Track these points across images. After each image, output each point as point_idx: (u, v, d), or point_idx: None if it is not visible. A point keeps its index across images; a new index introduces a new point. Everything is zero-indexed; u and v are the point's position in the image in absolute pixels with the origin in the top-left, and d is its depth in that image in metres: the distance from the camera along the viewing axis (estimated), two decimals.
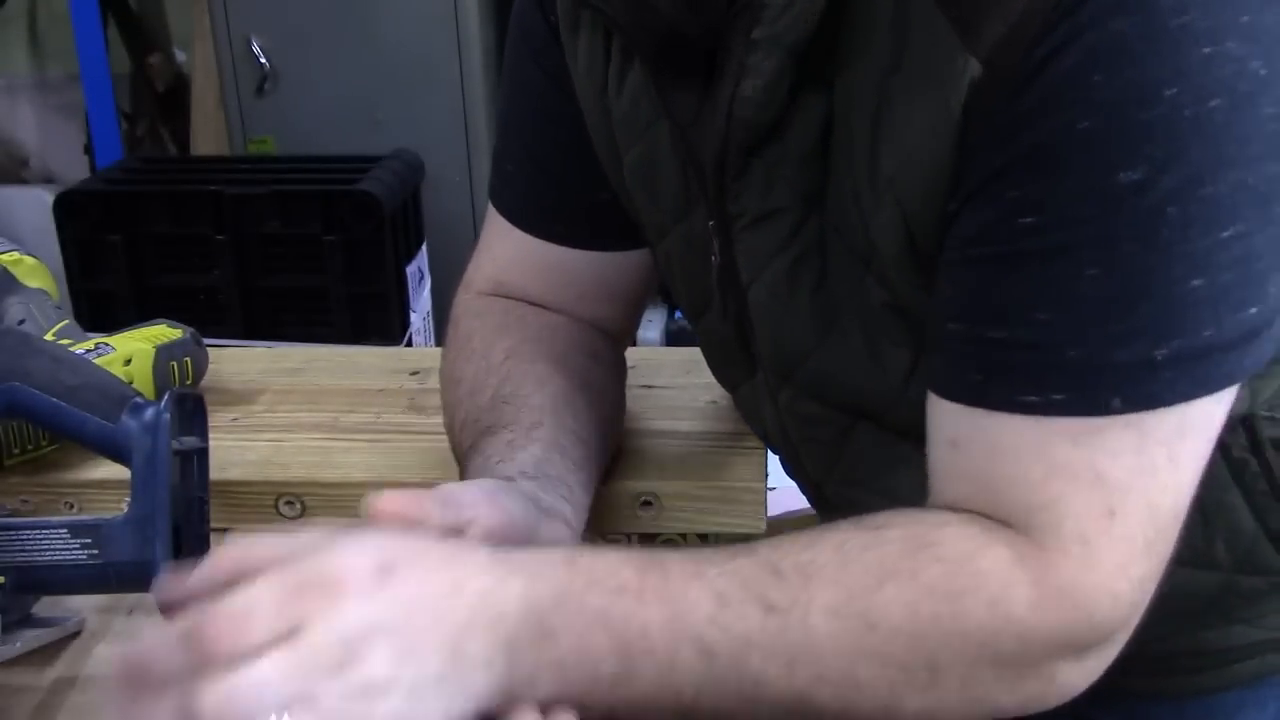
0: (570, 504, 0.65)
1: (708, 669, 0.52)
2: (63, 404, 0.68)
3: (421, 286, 2.20)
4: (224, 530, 0.79)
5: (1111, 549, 0.55)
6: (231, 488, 0.81)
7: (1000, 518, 0.56)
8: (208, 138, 2.50)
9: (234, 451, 0.84)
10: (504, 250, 0.82)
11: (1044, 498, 0.55)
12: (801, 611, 0.52)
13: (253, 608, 0.46)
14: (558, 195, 0.78)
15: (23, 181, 2.93)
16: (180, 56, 2.82)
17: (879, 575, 0.54)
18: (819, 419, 0.70)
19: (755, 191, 0.64)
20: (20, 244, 0.98)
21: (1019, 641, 0.55)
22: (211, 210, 2.02)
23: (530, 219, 0.80)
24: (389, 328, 2.06)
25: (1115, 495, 0.54)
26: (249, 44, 2.35)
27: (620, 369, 0.83)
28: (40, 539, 0.66)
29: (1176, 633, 0.72)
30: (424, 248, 2.22)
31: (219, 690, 0.44)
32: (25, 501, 0.82)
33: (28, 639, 0.68)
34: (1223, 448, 0.66)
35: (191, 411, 0.71)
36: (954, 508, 0.58)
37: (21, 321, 0.90)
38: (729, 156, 0.63)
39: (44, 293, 0.94)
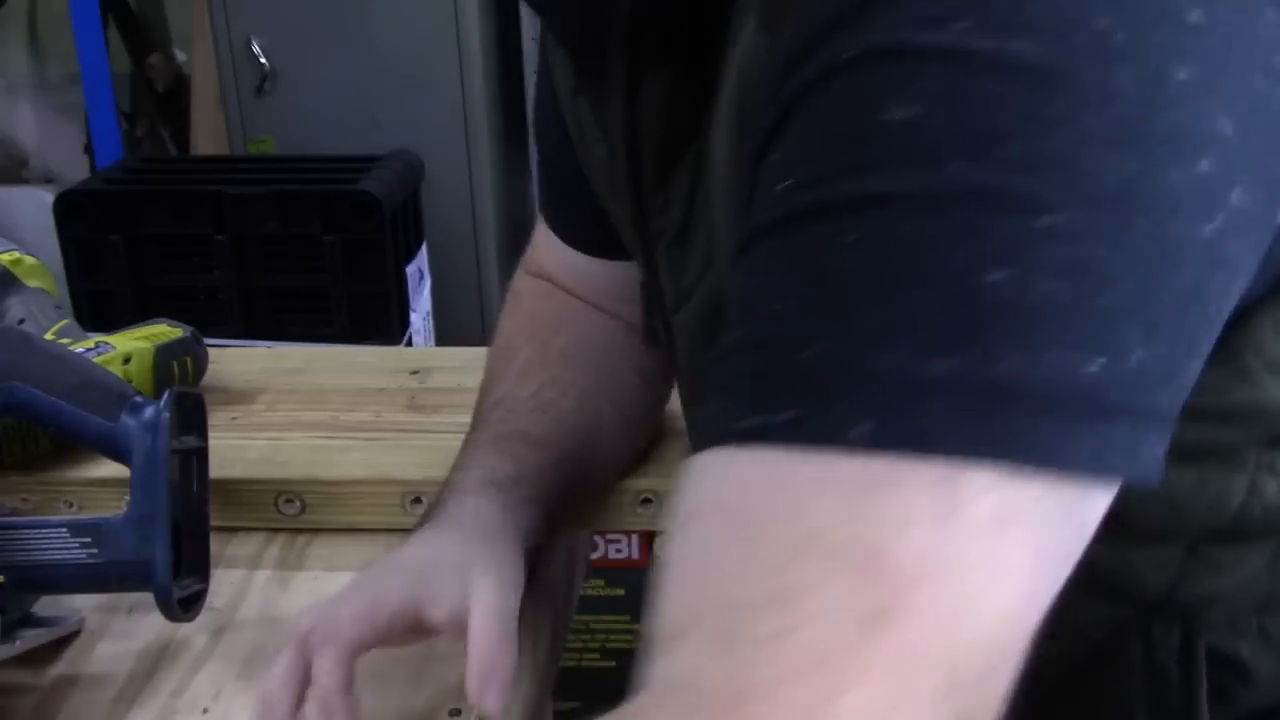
0: (531, 523, 0.68)
1: None
2: (62, 403, 0.68)
3: (421, 286, 2.19)
4: (224, 529, 0.79)
5: None
6: (231, 486, 0.81)
7: (710, 682, 0.37)
8: (208, 138, 2.50)
9: (233, 450, 0.84)
10: (545, 245, 0.83)
11: (767, 624, 0.36)
12: None
13: None
14: (569, 203, 0.79)
15: (23, 181, 2.93)
16: (180, 56, 2.81)
17: None
18: None
19: (676, 208, 0.56)
20: (20, 244, 0.98)
21: None
22: (211, 210, 2.02)
23: (553, 223, 0.81)
24: (389, 328, 2.06)
25: (879, 610, 0.35)
26: (249, 44, 2.35)
27: (664, 387, 0.82)
28: (40, 538, 0.66)
29: None
30: (424, 248, 2.22)
31: None
32: (25, 500, 0.82)
33: (28, 639, 0.68)
34: (1146, 641, 0.51)
35: (191, 410, 0.71)
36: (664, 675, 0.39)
37: (21, 321, 0.90)
38: (643, 169, 0.57)
39: (44, 292, 0.94)
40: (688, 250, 0.57)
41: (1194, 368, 0.40)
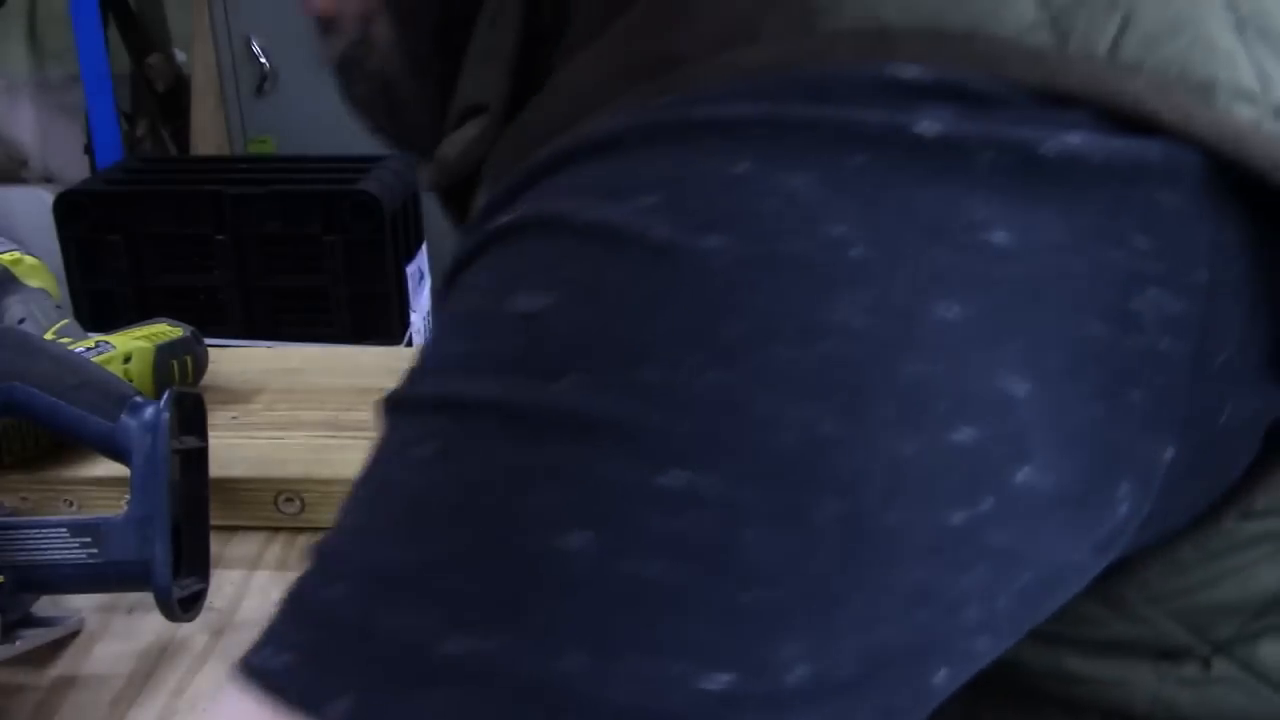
0: None
1: None
2: (62, 403, 0.68)
3: (421, 286, 2.19)
4: (224, 529, 0.79)
5: None
6: (231, 485, 0.81)
7: None
8: (208, 138, 2.50)
9: (233, 449, 0.84)
10: None
11: None
12: None
13: None
14: None
15: (23, 181, 2.93)
16: (180, 56, 2.81)
17: None
18: None
19: None
20: (20, 244, 0.98)
21: None
22: (211, 210, 2.02)
23: None
24: (389, 328, 2.05)
25: None
26: (249, 44, 2.35)
27: None
28: (40, 538, 0.66)
29: None
30: (424, 248, 2.22)
31: None
32: (25, 499, 0.82)
33: (28, 638, 0.68)
34: None
35: (191, 410, 0.71)
36: None
37: (21, 321, 0.90)
38: None
39: (44, 292, 0.94)
40: None
41: (931, 682, 0.30)
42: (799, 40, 0.31)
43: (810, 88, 0.30)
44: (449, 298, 0.34)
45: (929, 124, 0.29)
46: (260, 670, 0.29)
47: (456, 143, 0.44)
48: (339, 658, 0.28)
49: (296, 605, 0.31)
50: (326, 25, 0.52)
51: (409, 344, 2.07)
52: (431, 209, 2.26)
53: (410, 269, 2.12)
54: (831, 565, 0.27)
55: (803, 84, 0.30)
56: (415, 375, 0.33)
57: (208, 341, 0.96)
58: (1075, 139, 0.30)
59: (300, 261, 2.04)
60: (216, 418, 0.83)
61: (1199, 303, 0.31)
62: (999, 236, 0.29)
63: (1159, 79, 0.31)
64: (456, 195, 0.47)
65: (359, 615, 0.29)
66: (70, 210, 2.05)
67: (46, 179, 2.91)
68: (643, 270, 0.29)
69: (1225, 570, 0.37)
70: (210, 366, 0.96)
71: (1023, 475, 0.29)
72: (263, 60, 2.35)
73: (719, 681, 0.27)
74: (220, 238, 2.03)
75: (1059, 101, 0.30)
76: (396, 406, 0.33)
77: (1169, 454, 0.32)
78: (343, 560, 0.31)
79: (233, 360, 1.03)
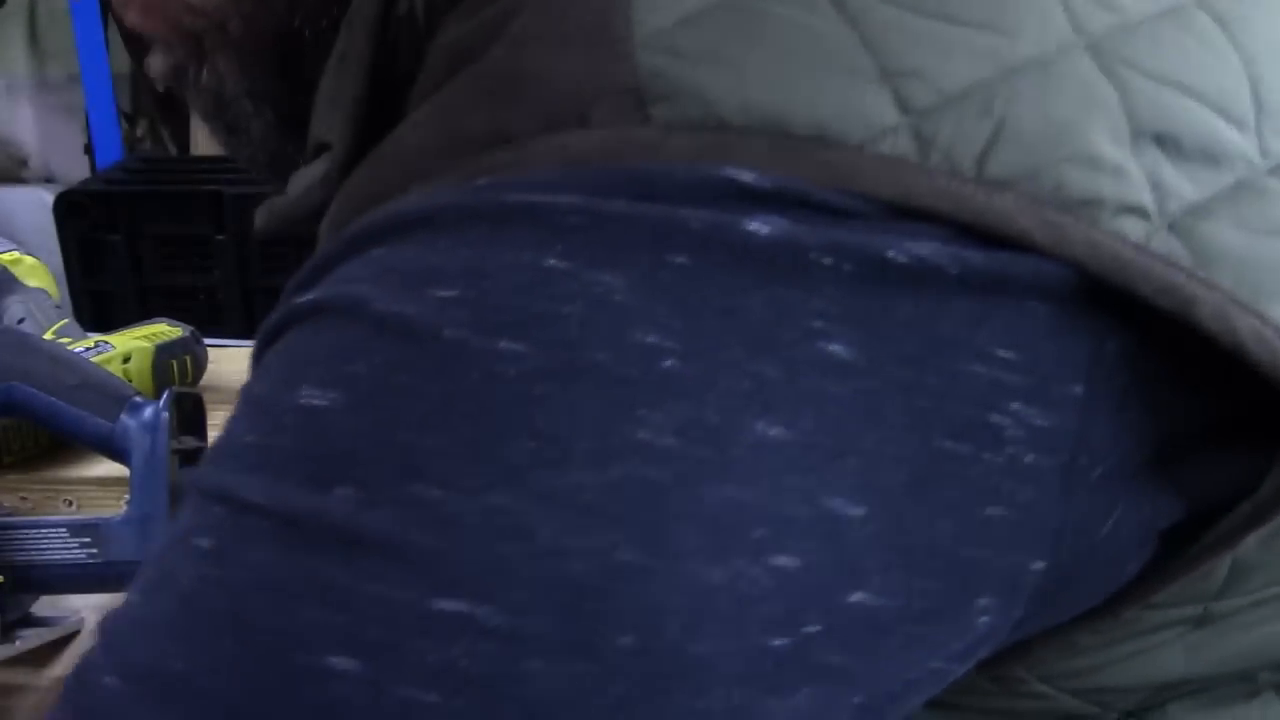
0: None
1: None
2: (61, 403, 0.68)
3: None
4: None
5: None
6: None
7: None
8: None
9: None
10: None
11: None
12: None
13: None
14: None
15: (23, 181, 2.93)
16: None
17: None
18: None
19: None
20: (20, 244, 0.98)
21: None
22: (211, 210, 2.02)
23: None
24: None
25: None
26: None
27: None
28: (39, 538, 0.66)
29: None
30: None
31: None
32: (24, 499, 0.82)
33: (27, 638, 0.68)
34: None
35: (191, 411, 0.71)
36: None
37: (21, 321, 0.90)
38: None
39: (44, 292, 0.94)
40: None
41: None
42: (631, 129, 0.28)
43: (635, 181, 0.27)
44: (252, 374, 0.32)
45: (760, 225, 0.27)
46: None
47: (302, 179, 0.40)
48: None
49: (77, 689, 0.30)
50: (146, 42, 0.45)
51: None
52: None
53: None
54: (632, 695, 0.26)
55: (628, 177, 0.27)
56: (213, 454, 0.32)
57: (208, 341, 0.96)
58: (927, 249, 0.27)
59: (300, 262, 2.03)
60: (217, 418, 0.83)
61: (1072, 417, 0.29)
62: (837, 348, 0.27)
63: (1031, 195, 0.28)
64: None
65: (123, 713, 0.28)
66: (70, 210, 2.05)
67: (46, 179, 2.91)
68: (430, 373, 0.27)
69: (1125, 654, 0.35)
70: (210, 366, 0.96)
71: (856, 597, 0.27)
72: None
73: None
74: (220, 238, 2.03)
75: (914, 215, 0.27)
76: (194, 484, 0.31)
77: (1037, 565, 0.30)
78: (122, 650, 0.30)
79: (233, 360, 1.02)
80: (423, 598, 0.26)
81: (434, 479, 0.26)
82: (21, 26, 2.93)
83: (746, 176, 0.27)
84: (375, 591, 0.26)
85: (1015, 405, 0.28)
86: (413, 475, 0.26)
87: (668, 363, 0.26)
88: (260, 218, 0.44)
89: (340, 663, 0.26)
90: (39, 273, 0.95)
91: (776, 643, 0.27)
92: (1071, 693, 0.36)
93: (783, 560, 0.26)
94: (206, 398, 0.73)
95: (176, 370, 0.91)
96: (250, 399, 0.32)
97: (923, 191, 0.27)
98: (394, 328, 0.28)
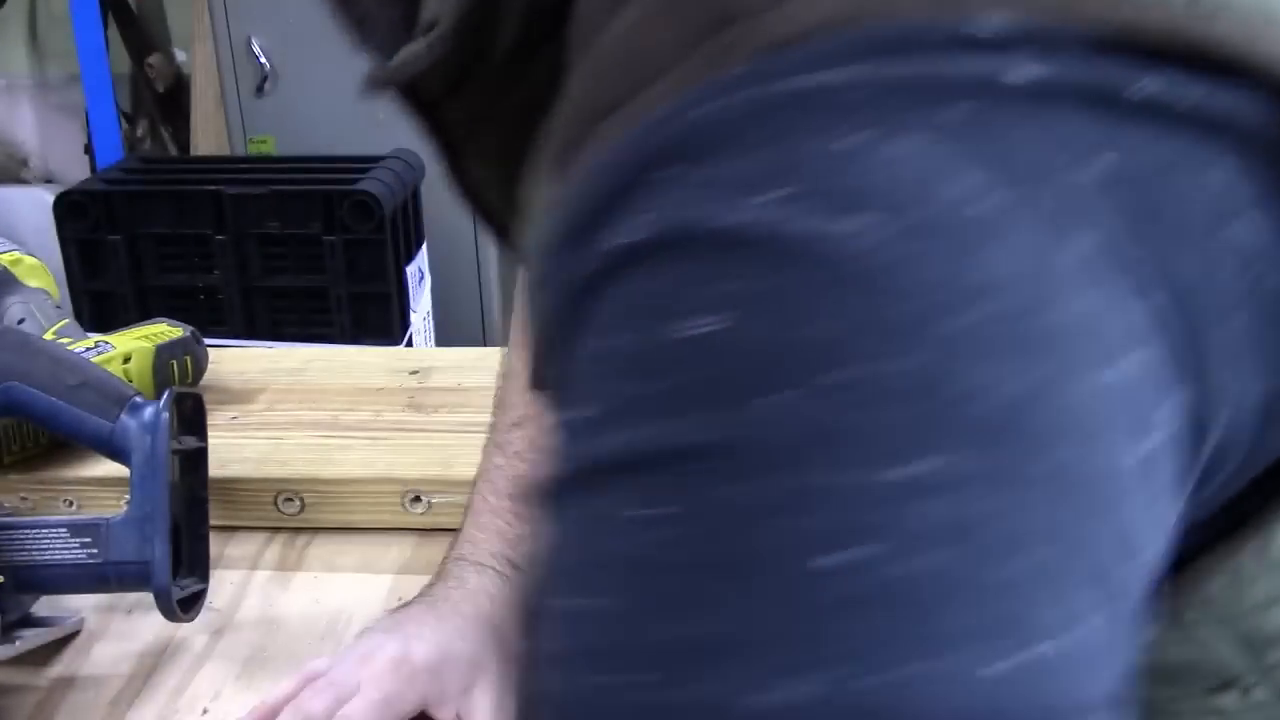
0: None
1: None
2: (61, 403, 0.68)
3: (421, 286, 2.19)
4: (224, 529, 0.79)
5: None
6: (230, 485, 0.81)
7: None
8: (208, 138, 2.50)
9: (233, 449, 0.84)
10: None
11: None
12: None
13: None
14: None
15: (23, 181, 2.93)
16: (180, 56, 2.81)
17: None
18: None
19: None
20: (20, 244, 0.98)
21: None
22: (211, 210, 2.02)
23: None
24: (389, 328, 2.05)
25: None
26: (249, 44, 2.35)
27: None
28: (40, 538, 0.66)
29: None
30: (424, 248, 2.22)
31: None
32: (25, 499, 0.82)
33: (28, 639, 0.68)
34: None
35: (191, 411, 0.71)
36: None
37: (21, 321, 0.90)
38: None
39: (44, 292, 0.94)
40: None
41: (1137, 631, 0.30)
42: None
43: (892, 45, 0.29)
44: (585, 334, 0.31)
45: (1018, 71, 0.29)
46: None
47: (410, 49, 0.41)
48: None
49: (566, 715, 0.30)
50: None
51: (409, 344, 2.07)
52: (431, 209, 2.26)
53: (410, 269, 2.12)
54: (1058, 517, 0.28)
55: (883, 41, 0.29)
56: (577, 439, 0.31)
57: (208, 341, 0.96)
58: (1158, 84, 0.29)
59: (300, 261, 2.04)
60: (217, 418, 0.83)
61: None
62: (1108, 159, 0.29)
63: (1242, 19, 0.30)
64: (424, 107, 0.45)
65: (659, 700, 0.28)
66: (70, 210, 2.05)
67: (46, 179, 2.91)
68: (797, 268, 0.28)
69: None
70: (210, 366, 0.96)
71: (1176, 398, 0.29)
72: (263, 60, 2.35)
73: (997, 663, 0.27)
74: (220, 238, 2.03)
75: (1139, 46, 0.29)
76: (586, 478, 0.31)
77: (1259, 387, 0.31)
78: (610, 652, 0.29)
79: (233, 360, 1.03)
80: (871, 474, 0.27)
81: (850, 360, 0.27)
82: (21, 27, 2.93)
83: (986, 24, 0.29)
84: (828, 484, 0.27)
85: (1239, 227, 0.30)
86: (830, 364, 0.27)
87: (984, 204, 0.28)
88: (367, 81, 0.44)
89: (825, 563, 0.27)
90: (39, 273, 0.95)
91: (1136, 451, 0.29)
92: (1234, 640, 0.36)
93: (1134, 357, 0.29)
94: (207, 398, 0.73)
95: (177, 371, 0.91)
96: (605, 358, 0.31)
97: (1144, 19, 0.29)
98: (745, 239, 0.28)
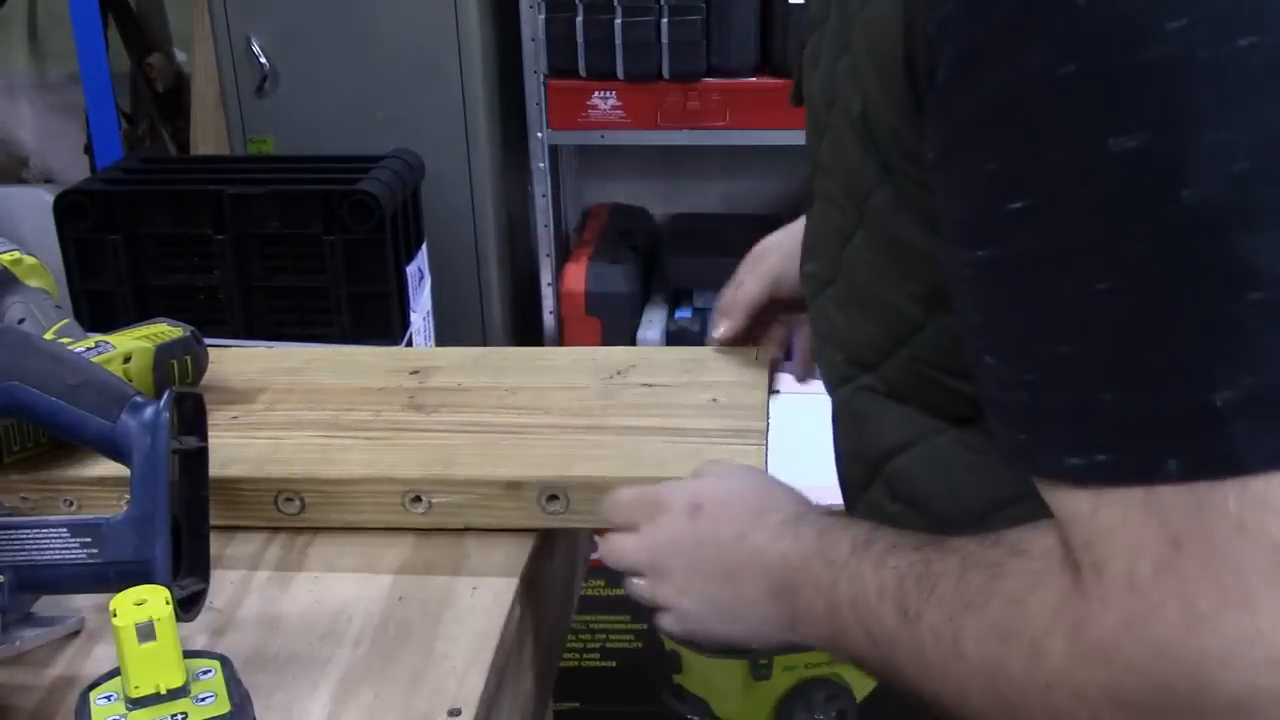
0: None
1: (873, 648, 0.57)
2: (62, 403, 0.68)
3: (421, 286, 2.19)
4: (224, 529, 0.79)
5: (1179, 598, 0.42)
6: (231, 484, 0.81)
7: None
8: (208, 138, 2.50)
9: (233, 449, 0.84)
10: None
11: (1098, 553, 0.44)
12: (917, 625, 0.54)
13: (616, 508, 0.74)
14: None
15: (23, 181, 2.93)
16: (180, 56, 2.81)
17: (967, 601, 0.51)
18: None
19: (816, 4, 0.65)
20: (20, 244, 0.98)
21: (1044, 695, 0.46)
22: (211, 210, 2.02)
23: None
24: (389, 328, 2.05)
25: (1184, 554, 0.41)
26: (249, 44, 2.35)
27: None
28: (40, 538, 0.66)
29: None
30: (424, 248, 2.22)
31: (608, 545, 0.74)
32: (25, 499, 0.82)
33: (28, 639, 0.68)
34: None
35: (191, 411, 0.71)
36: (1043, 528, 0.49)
37: (21, 321, 0.90)
38: None
39: (44, 292, 0.94)
40: (822, 34, 0.64)
41: None
42: None
43: None
44: (999, 161, 0.44)
45: None
46: (1088, 469, 0.42)
47: None
48: (1147, 443, 0.41)
49: (1073, 424, 0.43)
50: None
51: (409, 344, 2.07)
52: (431, 209, 2.26)
53: (410, 269, 2.12)
54: None
55: None
56: (1013, 222, 0.43)
57: (208, 341, 0.96)
58: None
59: (300, 261, 2.04)
60: (217, 418, 0.83)
61: None
62: None
63: None
64: None
65: (1142, 409, 0.41)
66: (70, 210, 2.05)
67: (46, 179, 2.91)
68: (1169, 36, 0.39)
69: None
70: (211, 366, 0.96)
71: None
72: (263, 60, 2.35)
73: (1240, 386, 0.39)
74: (220, 238, 2.02)
75: None
76: (1045, 259, 0.43)
77: None
78: (1093, 379, 0.42)
79: (233, 360, 1.03)
80: None
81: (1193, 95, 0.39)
82: (21, 26, 2.93)
83: None
84: (1264, 242, 0.39)
85: None
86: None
87: None
88: None
89: (1254, 295, 0.39)
90: (39, 273, 0.95)
91: None
92: None
93: None
94: (207, 398, 0.73)
95: (177, 370, 0.91)
96: (1029, 176, 0.42)
97: None
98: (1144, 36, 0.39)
